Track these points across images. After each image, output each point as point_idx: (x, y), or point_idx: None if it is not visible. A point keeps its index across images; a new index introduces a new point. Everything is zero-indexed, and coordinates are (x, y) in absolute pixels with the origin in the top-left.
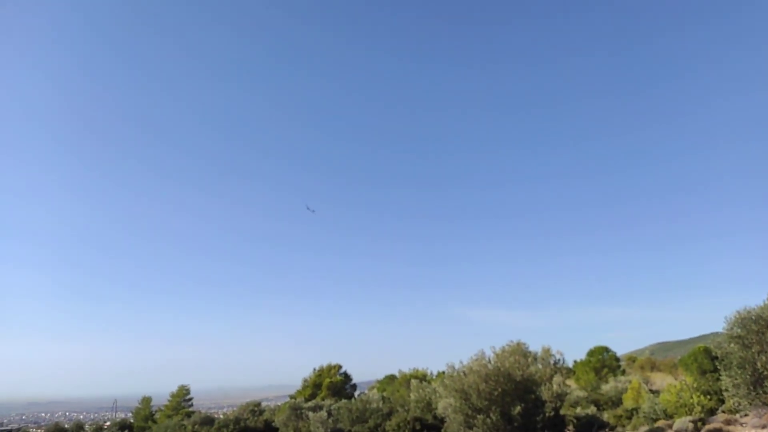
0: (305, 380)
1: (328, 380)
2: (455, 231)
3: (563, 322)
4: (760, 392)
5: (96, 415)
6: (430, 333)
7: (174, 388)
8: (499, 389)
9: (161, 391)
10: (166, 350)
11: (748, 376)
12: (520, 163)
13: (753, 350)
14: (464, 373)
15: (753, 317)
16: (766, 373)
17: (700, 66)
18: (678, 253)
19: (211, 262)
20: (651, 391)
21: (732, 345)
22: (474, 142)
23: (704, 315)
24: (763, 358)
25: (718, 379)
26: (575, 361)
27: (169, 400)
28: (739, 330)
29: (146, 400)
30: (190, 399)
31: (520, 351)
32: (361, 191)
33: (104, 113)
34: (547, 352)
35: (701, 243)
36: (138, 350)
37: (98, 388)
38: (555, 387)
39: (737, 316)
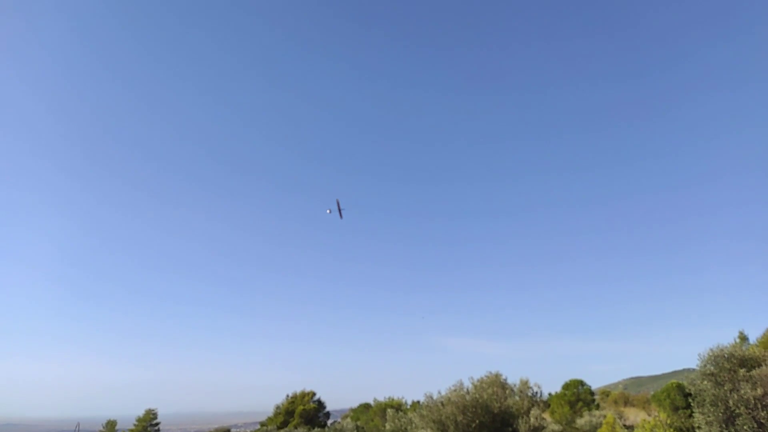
0: (277, 407)
1: (301, 407)
2: (434, 259)
3: (539, 353)
4: (732, 430)
5: None
6: (407, 361)
7: (140, 412)
8: (477, 421)
9: (127, 414)
10: (134, 372)
11: (720, 414)
12: (499, 192)
13: (726, 388)
14: (442, 404)
15: (726, 355)
16: (738, 411)
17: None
18: (652, 288)
19: (180, 282)
20: (625, 426)
21: (705, 382)
22: (456, 172)
23: (677, 350)
24: (735, 396)
25: (690, 416)
26: (550, 394)
27: (135, 425)
28: (711, 367)
29: (111, 424)
30: (157, 424)
31: (498, 382)
32: (343, 218)
33: (102, 133)
34: (525, 384)
35: (676, 278)
36: (105, 371)
37: (60, 409)
38: (533, 420)
39: (710, 354)
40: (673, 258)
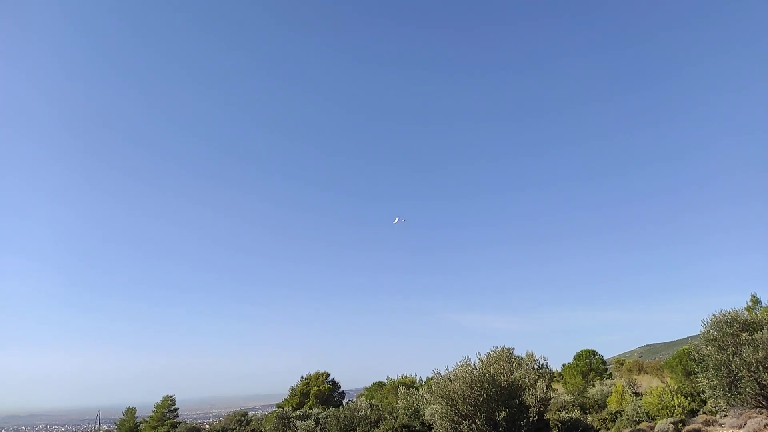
0: (292, 389)
1: (315, 388)
2: (446, 238)
3: (555, 326)
4: (736, 393)
5: (78, 427)
6: (420, 338)
7: (159, 399)
8: (484, 395)
9: (146, 401)
10: (152, 360)
11: (723, 378)
12: (510, 171)
13: (728, 352)
14: (450, 380)
15: (728, 320)
16: (740, 374)
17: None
18: (668, 255)
19: (196, 271)
20: (635, 393)
21: (708, 347)
22: (464, 153)
23: (693, 316)
24: (737, 360)
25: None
26: (564, 365)
27: (154, 411)
28: (714, 333)
29: (131, 411)
30: (176, 409)
31: (504, 357)
32: (351, 202)
33: (100, 124)
34: (531, 357)
35: (692, 244)
36: (123, 360)
37: (81, 399)
38: (539, 392)
39: (713, 320)
40: (689, 223)
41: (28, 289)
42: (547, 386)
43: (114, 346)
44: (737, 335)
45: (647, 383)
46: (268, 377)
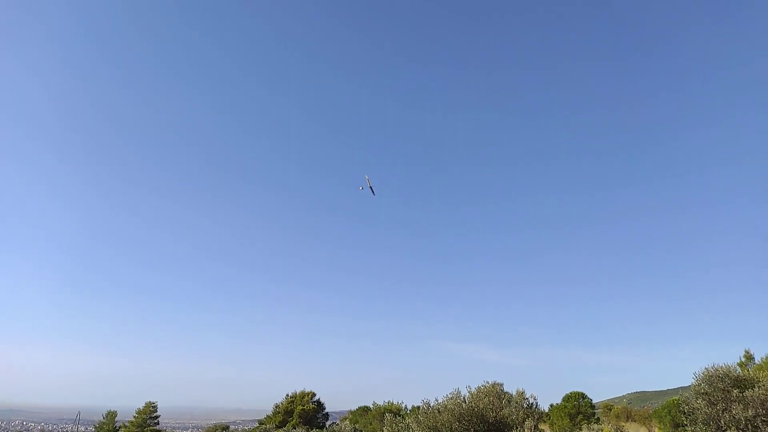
0: (276, 406)
1: (300, 408)
2: (441, 266)
3: (545, 363)
4: None
5: (55, 426)
6: (411, 365)
7: (141, 404)
8: (472, 429)
9: (128, 405)
10: (135, 363)
11: None
12: (505, 210)
13: (718, 407)
14: (438, 411)
15: (720, 375)
16: (729, 430)
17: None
18: (667, 304)
19: (187, 279)
20: None
21: (699, 401)
22: (460, 185)
23: (685, 365)
24: (727, 416)
25: None
26: (551, 405)
27: (135, 416)
28: (706, 386)
29: (111, 415)
30: (157, 417)
31: (494, 392)
32: (344, 226)
33: (104, 124)
34: (521, 395)
35: (689, 297)
36: (106, 360)
37: (62, 397)
38: (526, 431)
39: (705, 373)
40: (686, 272)
41: (9, 284)
42: (535, 426)
43: (99, 346)
44: (728, 391)
45: (634, 431)
46: (252, 392)
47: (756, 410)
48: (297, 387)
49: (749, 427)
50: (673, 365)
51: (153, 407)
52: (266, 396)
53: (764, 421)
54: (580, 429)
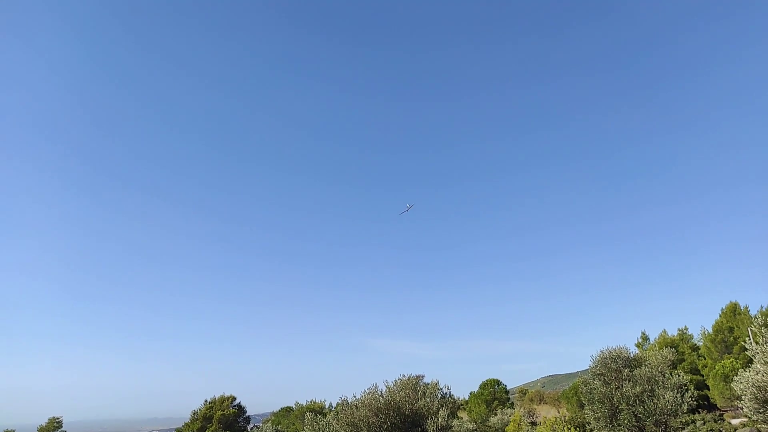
0: (194, 413)
1: (219, 413)
2: (358, 259)
3: (467, 354)
4: (616, 425)
5: None
6: (333, 362)
7: (44, 420)
8: (389, 423)
9: (28, 423)
10: (37, 375)
11: (606, 410)
12: (433, 197)
13: (611, 386)
14: (356, 407)
15: (613, 356)
16: (621, 407)
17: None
18: (577, 285)
19: (89, 280)
20: (532, 423)
21: (595, 381)
22: (391, 178)
23: (592, 348)
24: (619, 394)
25: None
26: (471, 393)
27: None
28: (600, 368)
29: None
30: None
31: (411, 385)
32: (263, 212)
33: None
34: (435, 386)
35: (603, 274)
36: (5, 373)
37: None
38: (440, 420)
39: (600, 356)
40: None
41: None
42: (448, 415)
43: None
44: (620, 371)
45: (546, 413)
46: (169, 399)
47: (643, 386)
48: (217, 392)
49: (637, 401)
50: (582, 349)
51: (57, 423)
52: (184, 403)
53: (650, 396)
54: (495, 414)
